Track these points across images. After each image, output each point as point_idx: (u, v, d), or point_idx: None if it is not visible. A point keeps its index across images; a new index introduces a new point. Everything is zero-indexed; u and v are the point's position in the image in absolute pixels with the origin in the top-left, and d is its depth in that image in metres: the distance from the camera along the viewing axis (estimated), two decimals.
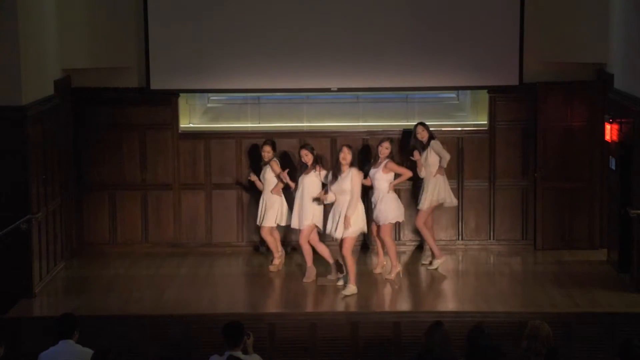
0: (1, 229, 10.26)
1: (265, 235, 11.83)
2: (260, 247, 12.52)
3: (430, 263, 11.85)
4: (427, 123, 11.98)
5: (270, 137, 11.99)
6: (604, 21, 11.98)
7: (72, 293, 11.09)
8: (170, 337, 10.11)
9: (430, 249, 11.91)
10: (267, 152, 11.70)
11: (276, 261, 11.87)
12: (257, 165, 12.20)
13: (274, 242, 11.88)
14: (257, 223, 11.89)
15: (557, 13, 12.22)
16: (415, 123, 12.19)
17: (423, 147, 11.74)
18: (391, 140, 11.51)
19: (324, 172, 11.38)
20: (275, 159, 11.76)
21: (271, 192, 11.67)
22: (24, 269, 10.79)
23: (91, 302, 10.68)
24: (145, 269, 12.06)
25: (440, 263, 11.77)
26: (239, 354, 7.81)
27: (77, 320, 8.04)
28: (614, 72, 11.74)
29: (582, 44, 12.20)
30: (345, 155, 10.93)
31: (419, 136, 11.75)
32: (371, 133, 12.52)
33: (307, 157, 11.35)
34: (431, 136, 11.77)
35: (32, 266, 10.85)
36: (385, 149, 11.33)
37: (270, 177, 11.70)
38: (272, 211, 11.70)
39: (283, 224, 11.77)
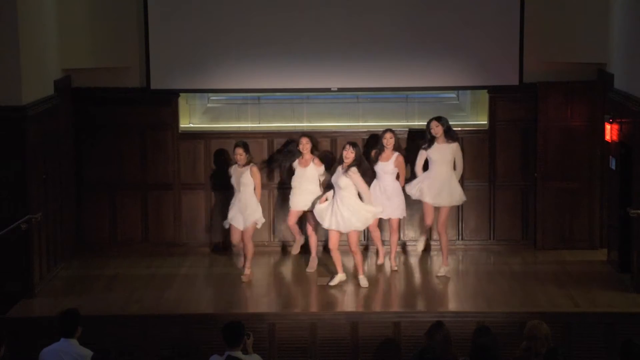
0: (1, 229, 10.26)
1: (249, 240, 11.41)
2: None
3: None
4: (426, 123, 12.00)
5: (242, 139, 11.64)
6: (604, 21, 11.98)
7: (72, 293, 11.08)
8: (170, 337, 10.11)
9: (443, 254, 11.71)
10: (239, 154, 11.24)
11: (248, 271, 11.51)
12: (221, 167, 12.27)
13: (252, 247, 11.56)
14: (232, 225, 11.43)
15: (557, 13, 12.22)
16: (413, 122, 12.26)
17: (432, 143, 11.47)
18: (392, 130, 11.58)
19: (321, 167, 11.56)
20: (254, 164, 11.36)
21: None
22: (24, 269, 10.79)
23: (91, 302, 10.68)
24: (145, 269, 12.06)
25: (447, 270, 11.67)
26: (239, 354, 7.82)
27: (80, 316, 8.08)
28: (614, 72, 11.74)
29: (582, 44, 12.20)
30: (348, 154, 10.95)
31: (432, 132, 11.47)
32: (371, 133, 12.52)
33: (307, 145, 11.50)
34: (452, 136, 11.48)
35: (32, 266, 10.85)
36: (389, 138, 11.46)
37: (247, 181, 11.24)
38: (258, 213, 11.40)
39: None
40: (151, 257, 12.42)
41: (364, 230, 11.97)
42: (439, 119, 11.52)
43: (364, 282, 11.13)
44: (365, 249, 12.48)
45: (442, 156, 11.47)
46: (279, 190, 12.54)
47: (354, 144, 11.08)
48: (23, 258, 10.76)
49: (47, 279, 11.32)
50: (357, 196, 11.04)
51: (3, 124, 10.50)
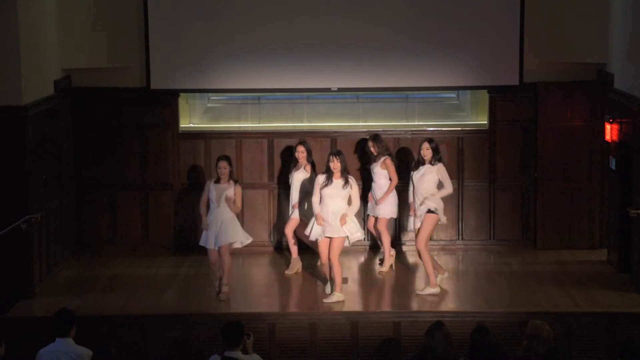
0: (1, 229, 10.26)
1: (227, 254, 10.79)
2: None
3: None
4: (427, 123, 11.95)
5: (226, 154, 11.21)
6: (604, 21, 11.98)
7: (72, 293, 11.08)
8: (170, 337, 10.11)
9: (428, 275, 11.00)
10: (223, 167, 10.72)
11: (226, 288, 10.84)
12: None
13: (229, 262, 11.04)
14: (212, 246, 10.77)
15: (557, 13, 12.22)
16: (413, 122, 12.20)
17: (422, 163, 10.83)
18: (374, 137, 11.57)
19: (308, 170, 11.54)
20: (235, 184, 10.83)
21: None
22: (24, 269, 10.79)
23: (91, 302, 10.69)
24: (145, 269, 12.06)
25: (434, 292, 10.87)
26: (238, 354, 7.82)
27: (74, 315, 8.06)
28: (614, 72, 11.74)
29: (582, 44, 12.20)
30: (335, 164, 10.59)
31: (422, 153, 10.79)
32: (371, 133, 12.50)
33: (302, 154, 11.49)
34: (437, 156, 10.82)
35: (32, 266, 10.85)
36: (371, 147, 11.52)
37: (231, 195, 10.76)
38: (237, 229, 10.96)
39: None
40: (151, 257, 12.42)
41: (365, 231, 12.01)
42: (431, 140, 10.84)
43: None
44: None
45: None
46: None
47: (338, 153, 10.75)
48: (23, 258, 10.76)
49: (47, 279, 11.32)
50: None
51: (3, 124, 10.50)
